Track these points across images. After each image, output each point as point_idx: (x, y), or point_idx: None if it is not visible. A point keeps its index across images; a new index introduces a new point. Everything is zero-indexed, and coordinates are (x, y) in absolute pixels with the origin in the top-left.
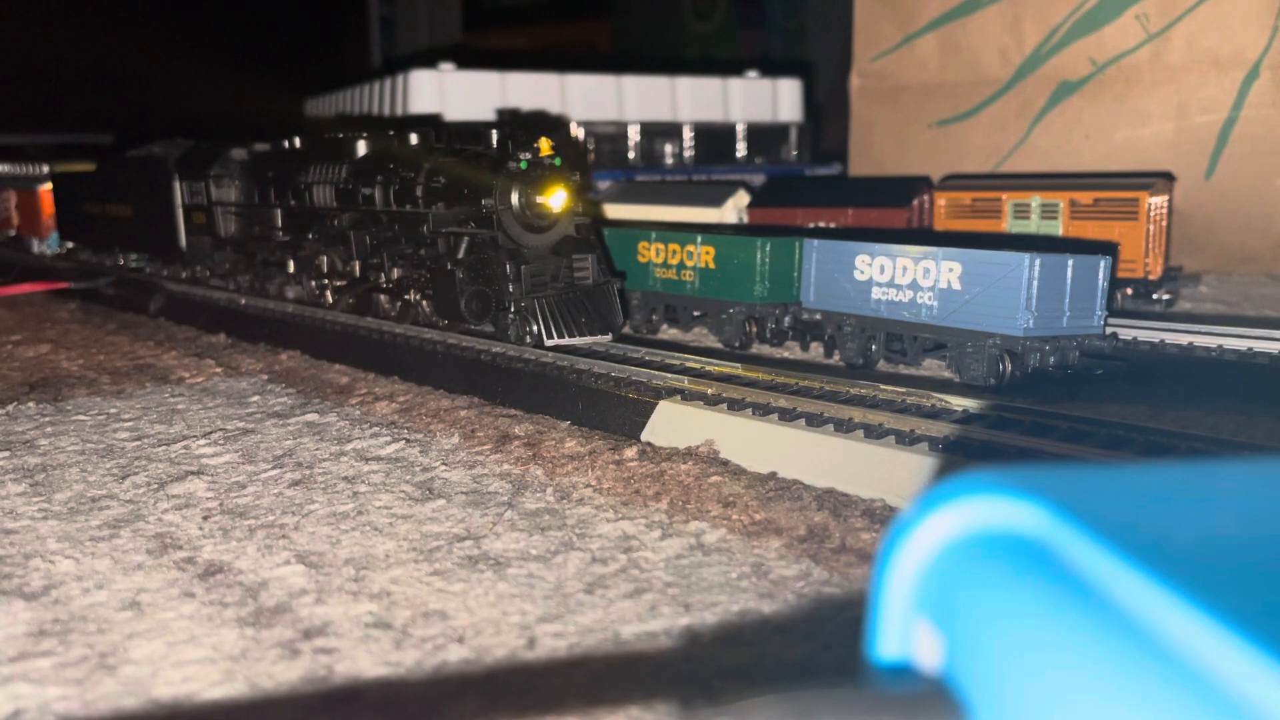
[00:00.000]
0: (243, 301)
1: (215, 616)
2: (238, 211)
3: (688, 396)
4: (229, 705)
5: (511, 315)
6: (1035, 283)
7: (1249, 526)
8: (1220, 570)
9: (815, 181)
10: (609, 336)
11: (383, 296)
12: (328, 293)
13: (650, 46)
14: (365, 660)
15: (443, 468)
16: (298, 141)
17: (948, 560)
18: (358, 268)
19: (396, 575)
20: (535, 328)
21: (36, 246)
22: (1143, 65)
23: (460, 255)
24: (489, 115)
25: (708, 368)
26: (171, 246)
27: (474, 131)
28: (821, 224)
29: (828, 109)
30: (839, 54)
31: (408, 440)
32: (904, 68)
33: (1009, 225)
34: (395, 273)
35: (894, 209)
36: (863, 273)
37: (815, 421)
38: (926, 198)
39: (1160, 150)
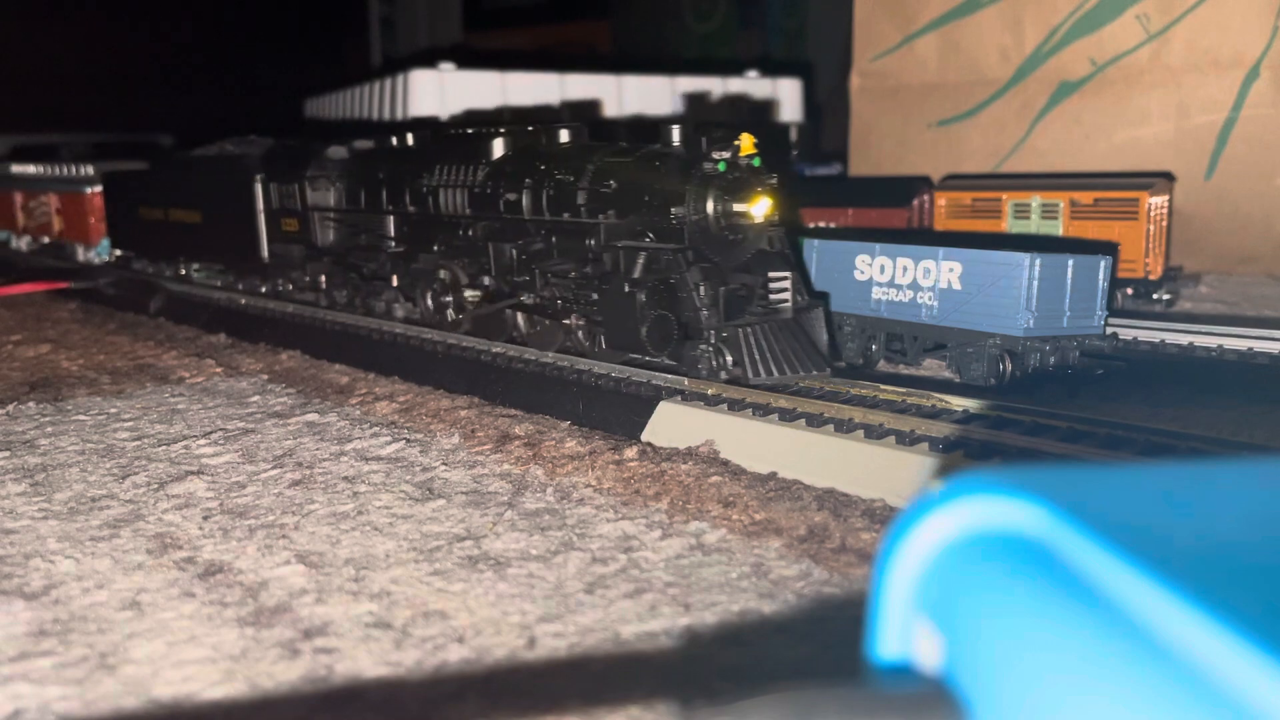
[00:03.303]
0: (242, 301)
1: (215, 616)
2: (338, 218)
3: (688, 397)
4: (229, 705)
5: (704, 347)
6: (1036, 283)
7: (1249, 526)
8: (1220, 570)
9: (815, 181)
10: (826, 372)
11: (521, 317)
12: (448, 311)
13: (650, 46)
14: (365, 660)
15: (443, 468)
16: (410, 138)
17: (948, 560)
18: (493, 284)
19: (396, 575)
20: (729, 360)
21: (82, 254)
22: (1143, 65)
23: (637, 274)
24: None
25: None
26: (251, 256)
27: (642, 127)
28: (821, 224)
29: (828, 109)
30: (839, 54)
31: (408, 440)
32: (904, 68)
33: (1009, 225)
34: (547, 291)
35: (894, 209)
36: (863, 273)
37: (815, 422)
38: (926, 198)
39: (1160, 150)
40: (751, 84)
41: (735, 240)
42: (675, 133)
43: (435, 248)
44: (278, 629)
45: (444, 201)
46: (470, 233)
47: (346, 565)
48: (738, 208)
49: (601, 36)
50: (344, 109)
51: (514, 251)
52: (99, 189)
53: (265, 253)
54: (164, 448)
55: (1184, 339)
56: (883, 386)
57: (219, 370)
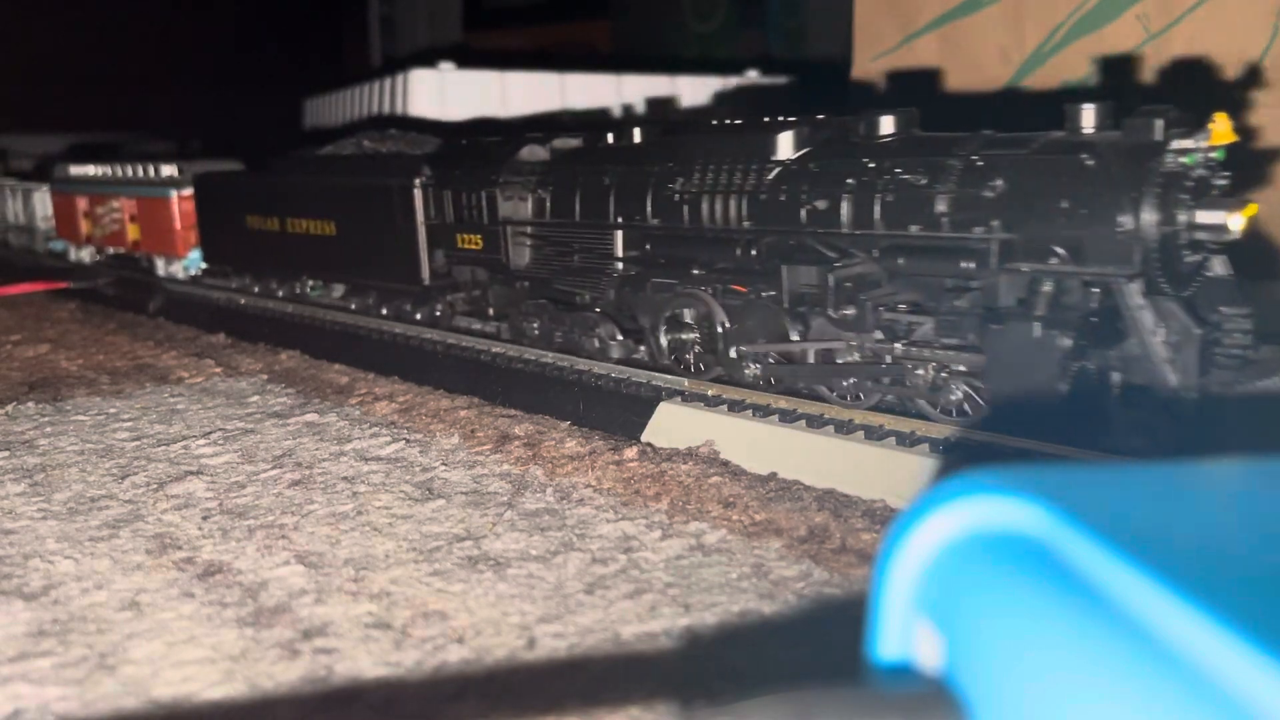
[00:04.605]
0: (242, 301)
1: (215, 617)
2: (540, 234)
3: (688, 397)
4: (229, 705)
5: (1168, 417)
6: None
7: (1248, 526)
8: (1219, 570)
9: None
10: None
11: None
12: (691, 351)
13: (650, 46)
14: (365, 660)
15: (443, 468)
16: (637, 134)
17: (948, 560)
18: (787, 319)
19: (396, 575)
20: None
21: (164, 267)
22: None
23: (1040, 309)
24: (489, 115)
25: None
26: (406, 276)
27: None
28: None
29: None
30: (839, 54)
31: (407, 440)
32: (904, 67)
33: None
34: (881, 331)
35: None
36: None
37: (815, 422)
38: None
39: None
40: (751, 84)
41: (1192, 264)
42: (1088, 114)
43: (694, 270)
44: (277, 629)
45: (708, 212)
46: (751, 251)
47: (346, 565)
48: (1211, 218)
49: (601, 36)
50: (344, 109)
51: (827, 277)
52: (189, 193)
53: (426, 273)
54: (163, 448)
55: None
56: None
57: (218, 370)
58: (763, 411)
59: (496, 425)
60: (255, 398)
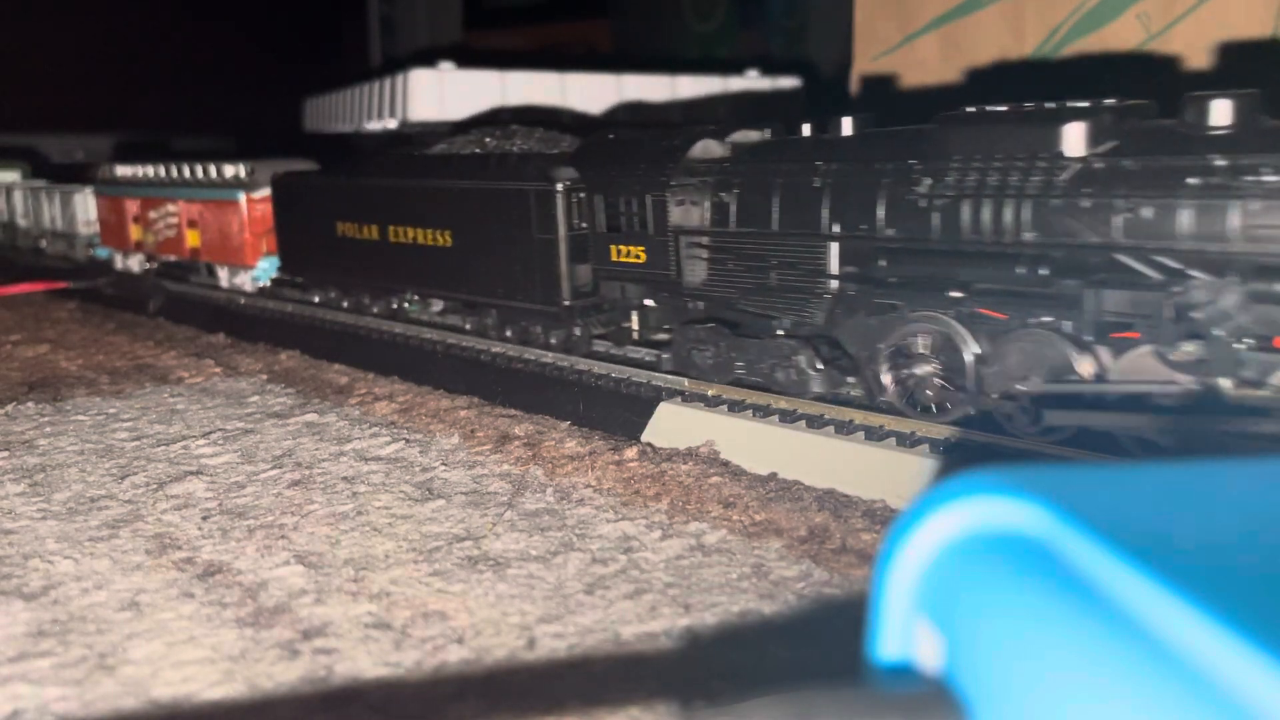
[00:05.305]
0: (242, 301)
1: (214, 617)
2: (721, 245)
3: (688, 398)
4: (229, 705)
5: None
6: None
7: (1249, 526)
8: (1220, 570)
9: None
10: None
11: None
12: (932, 388)
13: (650, 46)
14: (365, 660)
15: (442, 468)
16: (848, 125)
17: (948, 560)
18: (1074, 353)
19: (396, 576)
20: None
21: (228, 278)
22: None
23: None
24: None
25: None
26: (542, 295)
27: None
28: None
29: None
30: (839, 54)
31: (407, 440)
32: (904, 67)
33: None
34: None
35: None
36: None
37: (816, 423)
38: None
39: None
40: (752, 84)
41: None
42: None
43: (950, 293)
44: (277, 629)
45: (969, 221)
46: (1037, 269)
47: (346, 566)
48: None
49: (601, 36)
50: (344, 109)
51: (1162, 304)
52: (260, 195)
53: (566, 291)
54: (163, 448)
55: None
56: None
57: (218, 370)
58: (763, 411)
59: (496, 425)
60: (255, 398)
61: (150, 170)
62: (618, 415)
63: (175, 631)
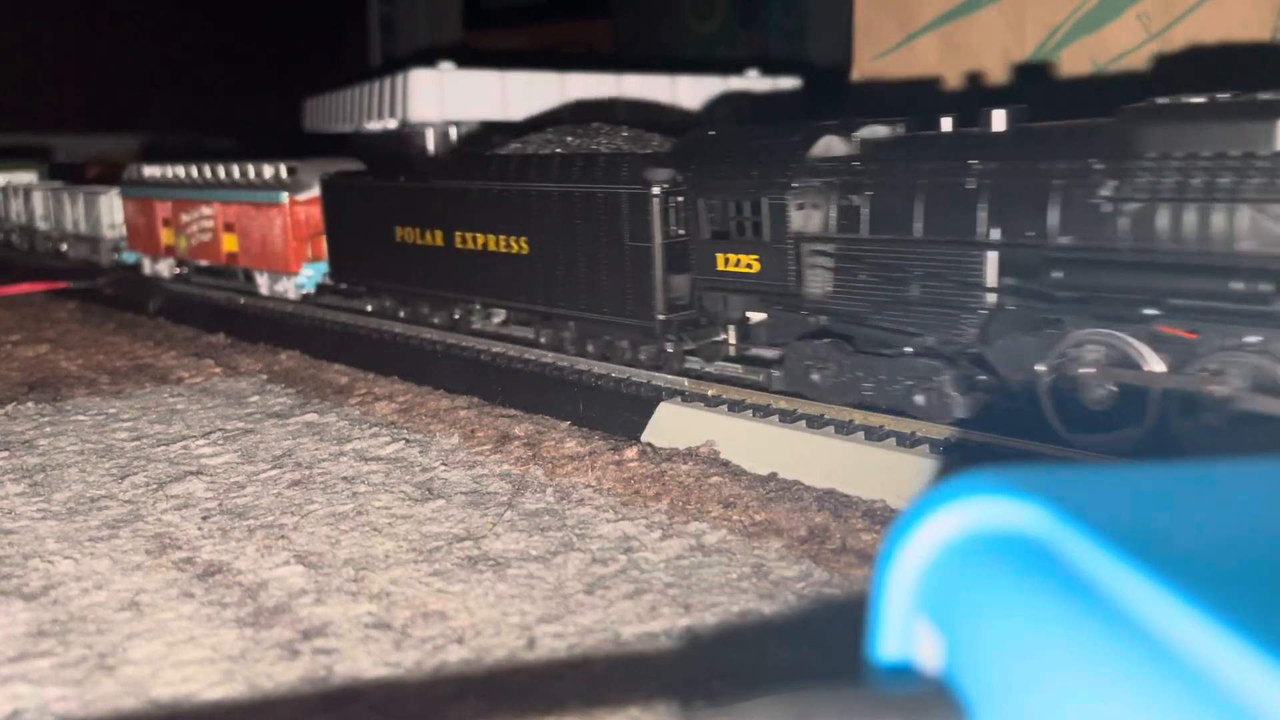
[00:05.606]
0: (242, 301)
1: (214, 617)
2: (851, 253)
3: (688, 398)
4: (228, 706)
5: None
6: None
7: (1249, 527)
8: (1220, 570)
9: None
10: None
11: None
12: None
13: (650, 46)
14: (365, 661)
15: (442, 468)
16: (999, 118)
17: (948, 560)
18: None
19: (396, 576)
20: None
21: (269, 285)
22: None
23: None
24: (489, 115)
25: None
26: (634, 309)
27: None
28: None
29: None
30: (839, 54)
31: (407, 440)
32: (904, 67)
33: None
34: None
35: None
36: None
37: (815, 422)
38: None
39: None
40: (752, 84)
41: None
42: None
43: (1143, 309)
44: (277, 629)
45: (1169, 227)
46: (1258, 284)
47: (346, 566)
48: None
49: (601, 36)
50: (344, 109)
51: None
52: (305, 197)
53: (660, 303)
54: (163, 448)
55: None
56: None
57: (218, 370)
58: (763, 411)
59: (496, 425)
60: (255, 398)
61: (182, 171)
62: (618, 415)
63: (175, 631)
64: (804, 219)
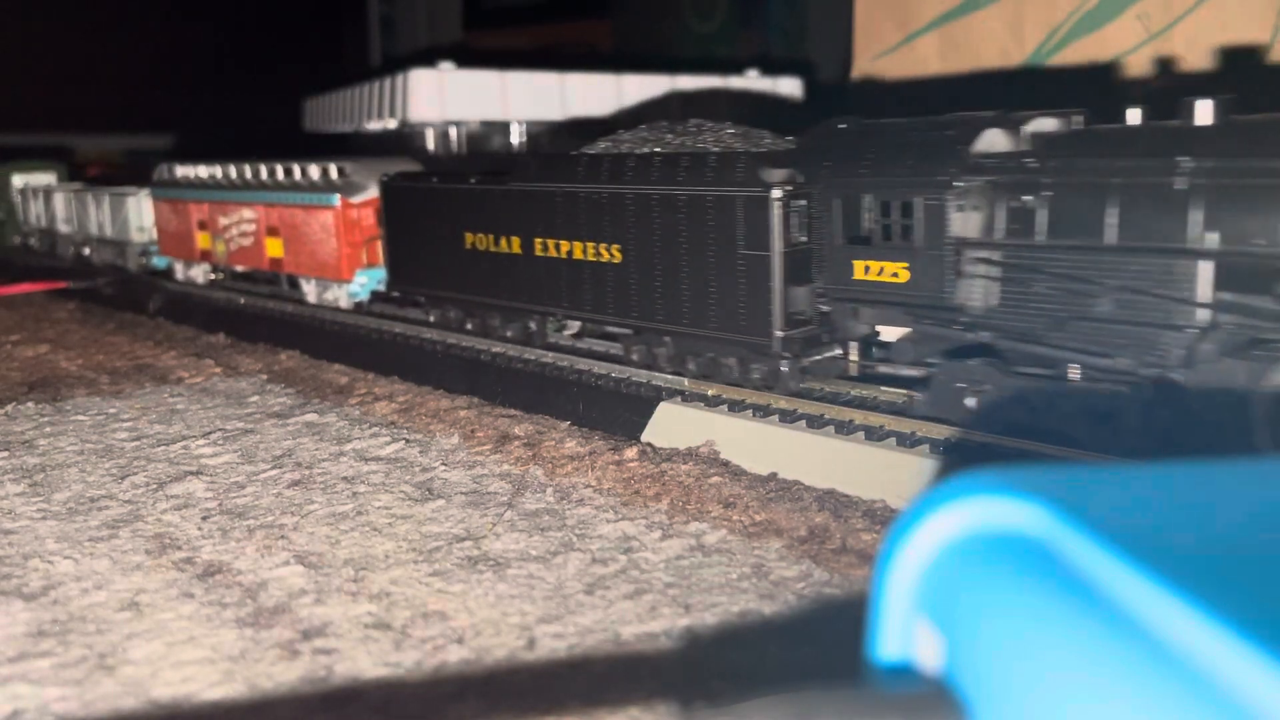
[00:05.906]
0: (242, 301)
1: (214, 617)
2: (1022, 261)
3: (688, 397)
4: (228, 706)
5: None
6: None
7: (1249, 527)
8: (1220, 570)
9: None
10: None
11: None
12: None
13: (650, 46)
14: (365, 661)
15: (442, 468)
16: (1205, 111)
17: (948, 561)
18: None
19: (396, 576)
20: None
21: (316, 293)
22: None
23: None
24: (489, 115)
25: None
26: (747, 325)
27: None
28: None
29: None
30: (839, 54)
31: (407, 440)
32: (904, 67)
33: None
34: None
35: None
36: None
37: (816, 422)
38: None
39: None
40: (752, 84)
41: None
42: None
43: None
44: (277, 630)
45: None
46: None
47: (346, 566)
48: None
49: (601, 36)
50: (344, 108)
51: None
52: (360, 200)
53: (779, 319)
54: (163, 448)
55: None
56: (884, 388)
57: (218, 370)
58: (763, 411)
59: (496, 425)
60: (255, 398)
61: (220, 171)
62: (618, 415)
63: (175, 631)
64: (963, 221)
